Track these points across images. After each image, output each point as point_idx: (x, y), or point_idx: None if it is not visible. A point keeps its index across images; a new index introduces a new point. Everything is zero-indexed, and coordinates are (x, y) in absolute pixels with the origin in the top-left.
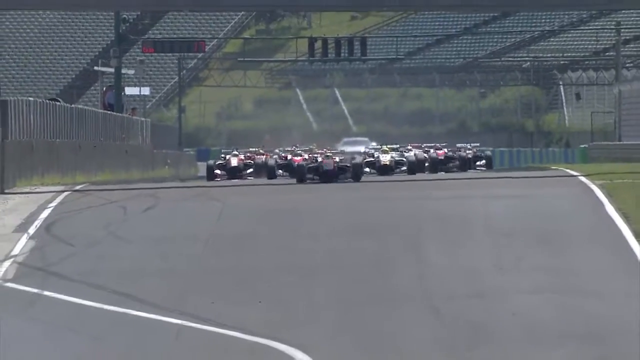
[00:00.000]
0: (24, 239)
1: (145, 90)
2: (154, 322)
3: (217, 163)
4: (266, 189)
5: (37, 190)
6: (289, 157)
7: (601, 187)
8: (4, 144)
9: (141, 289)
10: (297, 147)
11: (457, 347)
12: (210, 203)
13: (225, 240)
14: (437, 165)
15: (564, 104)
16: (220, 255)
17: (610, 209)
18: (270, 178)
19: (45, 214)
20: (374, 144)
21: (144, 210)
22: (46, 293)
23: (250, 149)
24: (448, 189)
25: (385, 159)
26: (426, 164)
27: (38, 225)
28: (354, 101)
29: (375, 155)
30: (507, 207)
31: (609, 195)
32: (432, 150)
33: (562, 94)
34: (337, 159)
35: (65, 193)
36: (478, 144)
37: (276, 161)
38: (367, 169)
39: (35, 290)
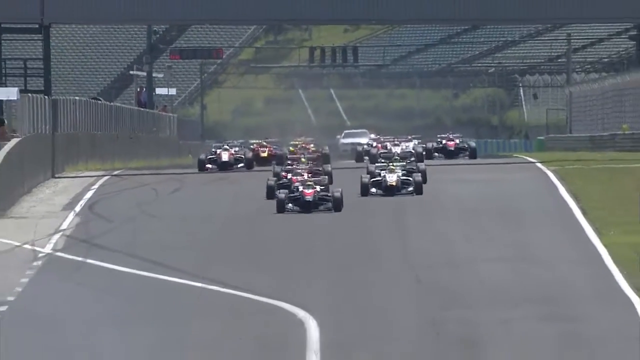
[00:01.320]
0: (71, 215)
1: (172, 91)
2: (179, 285)
3: (208, 157)
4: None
5: (82, 175)
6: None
7: (555, 172)
8: (55, 136)
9: (169, 258)
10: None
11: (431, 305)
12: (229, 186)
13: (240, 219)
14: (451, 155)
15: (523, 103)
16: (235, 231)
17: (562, 191)
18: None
19: (88, 194)
20: (372, 135)
21: (172, 192)
22: (89, 261)
23: (255, 141)
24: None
25: (392, 179)
26: (424, 153)
27: (83, 204)
28: (348, 100)
29: (382, 175)
30: (475, 188)
31: (561, 179)
32: (444, 141)
33: (522, 94)
34: (319, 189)
35: (105, 177)
36: (460, 135)
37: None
38: (373, 190)
39: (80, 259)
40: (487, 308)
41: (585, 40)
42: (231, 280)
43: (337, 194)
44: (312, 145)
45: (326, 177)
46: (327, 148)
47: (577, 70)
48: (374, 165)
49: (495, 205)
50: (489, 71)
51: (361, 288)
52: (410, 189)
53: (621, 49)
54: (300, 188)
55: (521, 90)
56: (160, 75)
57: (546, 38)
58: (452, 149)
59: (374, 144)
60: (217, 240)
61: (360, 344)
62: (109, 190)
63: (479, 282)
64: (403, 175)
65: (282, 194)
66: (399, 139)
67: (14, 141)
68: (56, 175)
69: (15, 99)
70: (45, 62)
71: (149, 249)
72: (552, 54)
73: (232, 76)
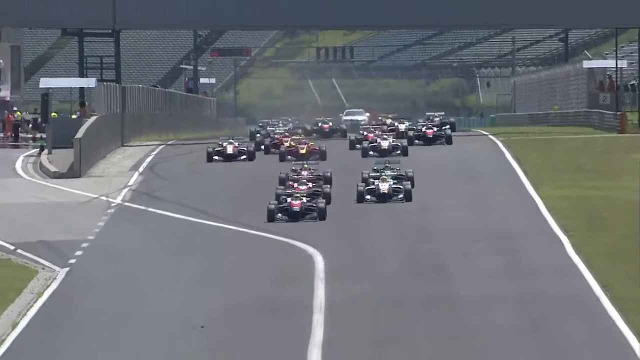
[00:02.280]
0: (136, 174)
1: (212, 80)
2: (219, 228)
3: (215, 150)
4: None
5: (144, 144)
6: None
7: (502, 142)
8: (123, 115)
9: (211, 207)
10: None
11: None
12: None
13: (266, 176)
14: (429, 142)
15: (479, 89)
16: (262, 187)
17: (508, 156)
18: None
19: (149, 159)
20: (367, 114)
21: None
22: (150, 209)
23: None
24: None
25: (384, 187)
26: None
27: (145, 166)
28: (346, 87)
29: (375, 183)
30: (441, 153)
31: (507, 146)
32: (423, 129)
33: (478, 83)
34: (305, 200)
35: (162, 146)
36: (443, 113)
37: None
38: (368, 197)
39: (143, 208)
40: (451, 242)
41: (526, 42)
42: (256, 224)
43: (321, 205)
44: (311, 142)
45: (327, 185)
46: (324, 146)
47: (519, 64)
48: (367, 173)
49: (456, 166)
50: (453, 65)
51: (354, 231)
52: (401, 196)
53: (552, 48)
54: (289, 199)
55: (477, 80)
56: (203, 68)
57: (496, 40)
58: (430, 136)
59: (365, 133)
60: (247, 192)
61: (355, 270)
62: (164, 156)
63: (444, 223)
64: (394, 183)
65: (272, 204)
66: (390, 120)
67: (93, 118)
68: (124, 145)
69: (94, 86)
70: (116, 58)
71: (195, 200)
72: (501, 52)
73: (258, 69)
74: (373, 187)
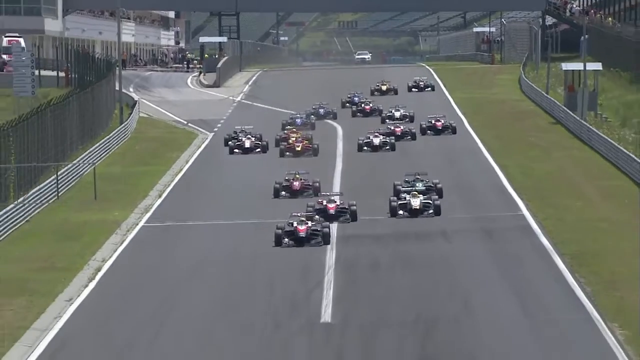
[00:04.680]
0: (247, 86)
1: (285, 38)
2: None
3: (236, 143)
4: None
5: (251, 70)
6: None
7: (433, 70)
8: (241, 55)
9: (292, 101)
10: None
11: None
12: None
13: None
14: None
15: (421, 43)
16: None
17: (435, 76)
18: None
19: (255, 77)
20: (370, 54)
21: (290, 75)
22: (254, 104)
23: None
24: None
25: (416, 203)
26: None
27: (251, 81)
28: (353, 41)
29: (407, 198)
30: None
31: (435, 71)
32: (433, 121)
33: (420, 39)
34: (310, 224)
35: (260, 72)
36: (444, 115)
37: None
38: (400, 212)
39: (250, 103)
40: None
41: (445, 18)
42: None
43: (326, 230)
44: (305, 140)
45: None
46: (317, 144)
47: (442, 29)
48: (399, 185)
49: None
50: (408, 30)
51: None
52: (431, 211)
53: (458, 22)
54: (295, 224)
55: (420, 38)
56: (281, 32)
57: (430, 17)
58: (440, 127)
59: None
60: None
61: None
62: (263, 76)
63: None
64: (424, 197)
65: (279, 229)
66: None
67: (225, 57)
68: (241, 71)
69: (225, 41)
70: (237, 27)
71: (287, 99)
72: (432, 23)
73: (308, 32)
74: (405, 202)
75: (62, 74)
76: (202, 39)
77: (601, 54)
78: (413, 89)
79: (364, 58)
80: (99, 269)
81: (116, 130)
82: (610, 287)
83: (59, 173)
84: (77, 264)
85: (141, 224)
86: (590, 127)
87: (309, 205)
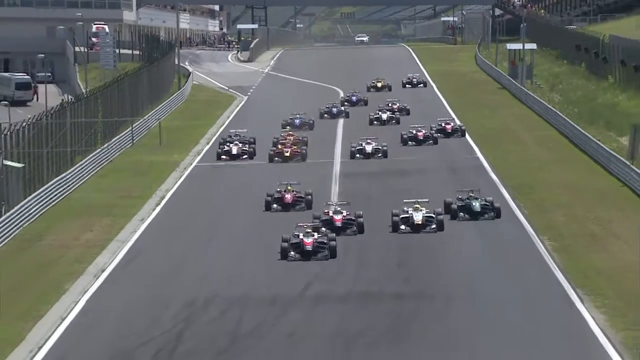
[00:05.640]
0: (272, 61)
1: (301, 25)
2: (312, 84)
3: (223, 150)
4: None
5: (276, 50)
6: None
7: (412, 50)
8: (268, 38)
9: (304, 74)
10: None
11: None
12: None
13: None
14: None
15: (402, 29)
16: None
17: (413, 54)
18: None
19: (278, 55)
20: (367, 36)
21: (307, 53)
22: (278, 74)
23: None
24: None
25: (418, 218)
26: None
27: (275, 58)
28: (352, 28)
29: (409, 212)
30: (380, 53)
31: (413, 50)
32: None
33: (402, 26)
34: (317, 236)
35: (282, 51)
36: (454, 118)
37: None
38: (402, 227)
39: (275, 73)
40: (415, 177)
41: (420, 10)
42: None
43: (333, 243)
44: (294, 146)
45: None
46: (305, 149)
47: (417, 19)
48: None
49: (390, 55)
50: (392, 19)
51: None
52: (434, 226)
53: (430, 13)
54: (301, 236)
55: (402, 25)
56: (298, 21)
57: (409, 8)
58: (450, 131)
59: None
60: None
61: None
62: (284, 54)
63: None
64: (426, 212)
65: (284, 242)
66: (381, 83)
67: (257, 39)
68: (268, 49)
69: (257, 27)
70: (265, 16)
71: (299, 69)
72: (410, 13)
73: (318, 21)
74: (407, 215)
75: (136, 52)
76: (239, 26)
77: (535, 37)
78: (407, 85)
79: (363, 40)
80: (163, 197)
81: (175, 94)
82: (540, 210)
83: (133, 126)
84: (147, 193)
85: (194, 163)
86: (528, 91)
87: (315, 217)
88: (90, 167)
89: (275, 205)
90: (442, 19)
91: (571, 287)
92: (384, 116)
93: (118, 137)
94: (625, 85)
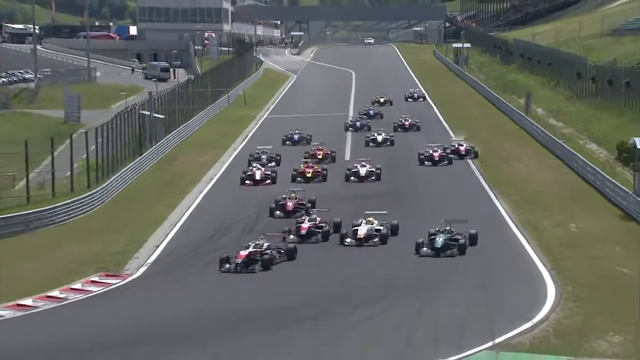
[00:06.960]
0: (312, 54)
1: (301, 34)
2: (345, 71)
3: (247, 174)
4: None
5: (313, 47)
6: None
7: (398, 49)
8: (309, 41)
9: (340, 64)
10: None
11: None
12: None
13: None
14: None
15: (390, 35)
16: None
17: (398, 52)
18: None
19: (315, 50)
20: (373, 39)
21: (333, 49)
22: (318, 63)
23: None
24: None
25: (362, 231)
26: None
27: (314, 53)
28: (363, 34)
29: (357, 223)
30: (375, 49)
31: (400, 50)
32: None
33: (390, 34)
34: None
35: (317, 49)
36: (464, 138)
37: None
38: (348, 240)
39: (314, 62)
40: (406, 164)
41: (401, 22)
42: None
43: (326, 228)
44: (316, 166)
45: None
46: (326, 170)
47: (400, 28)
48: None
49: (383, 53)
50: (383, 28)
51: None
52: (376, 239)
53: (406, 25)
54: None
55: (389, 33)
56: (327, 30)
57: (392, 22)
58: (463, 152)
59: (357, 166)
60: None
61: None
62: (319, 51)
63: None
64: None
65: (287, 227)
66: (384, 99)
67: (302, 41)
68: (309, 47)
69: (302, 34)
70: (307, 27)
71: (329, 59)
72: (393, 25)
73: (331, 28)
74: (356, 228)
75: (230, 49)
76: (293, 33)
77: (470, 39)
78: (409, 99)
79: (370, 42)
80: (247, 135)
81: (253, 75)
82: (470, 143)
83: (229, 94)
84: (237, 133)
85: (265, 115)
86: (465, 72)
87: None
88: (204, 117)
89: (278, 212)
90: (414, 28)
91: (489, 188)
92: (379, 138)
93: (219, 100)
94: (523, 69)
